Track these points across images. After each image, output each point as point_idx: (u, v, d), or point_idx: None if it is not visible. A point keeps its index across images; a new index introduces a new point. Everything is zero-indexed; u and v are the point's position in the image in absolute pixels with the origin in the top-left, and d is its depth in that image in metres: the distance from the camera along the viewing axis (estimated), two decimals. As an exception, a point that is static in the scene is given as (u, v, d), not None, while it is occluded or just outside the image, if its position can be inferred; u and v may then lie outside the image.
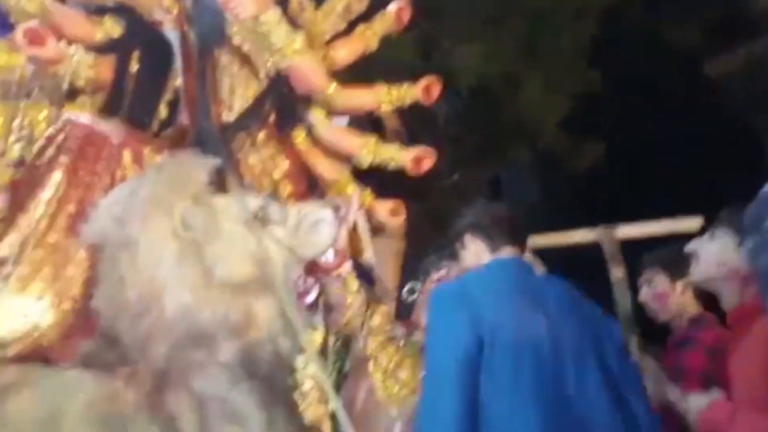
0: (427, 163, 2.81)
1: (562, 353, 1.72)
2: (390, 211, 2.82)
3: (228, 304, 1.79)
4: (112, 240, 1.77)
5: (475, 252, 1.95)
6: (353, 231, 2.87)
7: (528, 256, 2.05)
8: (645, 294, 2.26)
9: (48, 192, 1.90)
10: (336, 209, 1.96)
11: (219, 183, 2.01)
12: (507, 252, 1.92)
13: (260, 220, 1.88)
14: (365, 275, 2.69)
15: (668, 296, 2.20)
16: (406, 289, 2.61)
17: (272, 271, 1.87)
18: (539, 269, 2.20)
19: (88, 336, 1.84)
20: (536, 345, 1.70)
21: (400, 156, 2.77)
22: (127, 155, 2.08)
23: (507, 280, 1.84)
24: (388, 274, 3.18)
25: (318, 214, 1.94)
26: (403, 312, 2.62)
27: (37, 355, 1.77)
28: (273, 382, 1.82)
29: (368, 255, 2.96)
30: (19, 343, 1.76)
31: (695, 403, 1.75)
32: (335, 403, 1.51)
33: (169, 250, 1.76)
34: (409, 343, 2.44)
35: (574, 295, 1.87)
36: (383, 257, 3.15)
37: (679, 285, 2.18)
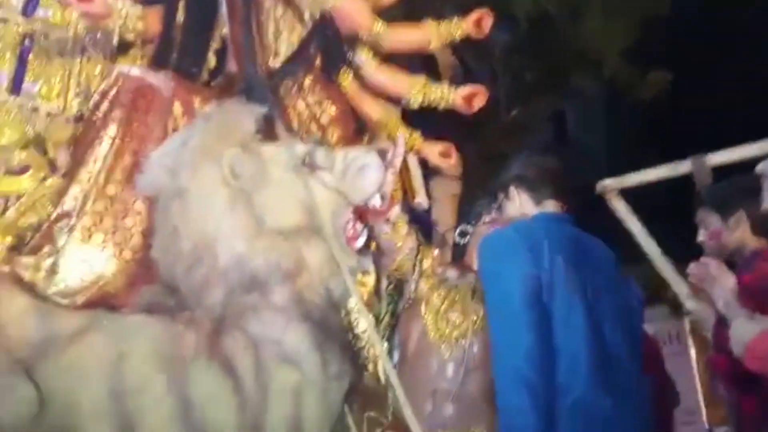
0: (479, 101, 2.74)
1: (599, 309, 1.80)
2: (440, 154, 2.79)
3: (279, 251, 1.83)
4: (165, 190, 1.83)
5: (519, 204, 2.00)
6: (405, 172, 2.87)
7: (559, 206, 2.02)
8: (701, 235, 2.18)
9: (105, 146, 1.96)
10: (382, 153, 1.95)
11: (267, 130, 2.04)
12: (551, 205, 1.98)
13: (307, 166, 1.90)
14: (418, 218, 2.69)
15: (721, 234, 2.11)
16: (458, 231, 2.60)
17: (321, 216, 1.90)
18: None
19: (150, 284, 1.93)
20: (582, 294, 1.79)
21: (451, 95, 2.72)
22: (177, 106, 2.11)
23: (555, 231, 1.89)
24: (445, 215, 3.18)
25: (364, 158, 1.94)
26: (456, 254, 2.62)
27: (103, 302, 1.86)
28: (326, 325, 1.87)
29: (420, 197, 2.96)
30: (86, 291, 1.86)
31: (744, 330, 1.66)
32: (380, 350, 1.53)
33: (220, 200, 1.81)
34: (461, 285, 2.45)
35: (608, 254, 1.95)
36: (440, 199, 3.15)
37: (731, 221, 2.09)
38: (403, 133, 2.22)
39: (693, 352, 3.96)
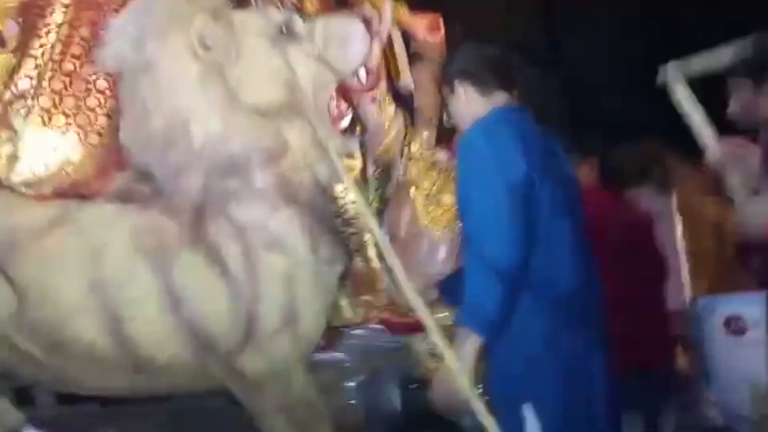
0: None
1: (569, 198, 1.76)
2: (427, 27, 2.60)
3: (258, 130, 1.70)
4: (131, 64, 1.66)
5: (465, 99, 1.84)
6: (389, 51, 2.69)
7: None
8: (732, 105, 1.88)
9: (58, 14, 1.75)
10: (367, 22, 1.78)
11: (238, -1, 1.84)
12: (500, 98, 1.82)
13: (285, 35, 1.73)
14: (403, 100, 2.55)
15: (755, 103, 1.82)
16: (447, 113, 2.47)
17: (302, 92, 1.75)
18: None
19: (122, 170, 1.79)
20: (557, 187, 1.72)
21: None
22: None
23: (522, 123, 1.79)
24: (428, 99, 3.02)
25: (347, 27, 1.77)
26: (444, 137, 2.50)
27: (73, 191, 1.73)
28: (313, 209, 1.77)
29: (405, 79, 2.79)
30: (53, 179, 1.72)
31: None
32: (376, 231, 1.44)
33: (190, 73, 1.65)
34: (451, 168, 2.35)
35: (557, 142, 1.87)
36: (423, 83, 2.97)
37: (766, 88, 1.79)
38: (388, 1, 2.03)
39: (679, 230, 3.95)
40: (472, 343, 1.57)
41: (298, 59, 1.72)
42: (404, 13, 2.57)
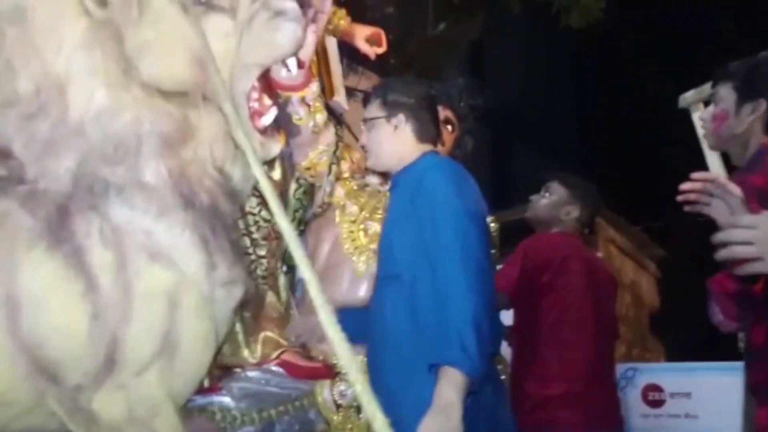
0: None
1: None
2: (368, 38, 2.36)
3: (156, 111, 1.37)
4: None
5: (401, 134, 1.80)
6: (323, 60, 2.43)
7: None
8: (707, 112, 1.79)
9: None
10: (302, 2, 1.50)
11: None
12: (427, 147, 1.81)
13: (202, 4, 1.43)
14: (334, 114, 2.28)
15: (725, 118, 1.73)
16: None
17: (216, 74, 1.44)
18: None
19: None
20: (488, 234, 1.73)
21: None
22: None
23: (462, 171, 1.77)
24: (357, 128, 2.76)
25: (279, 3, 1.48)
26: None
27: None
28: (214, 217, 1.44)
29: (340, 96, 2.53)
30: None
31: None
32: (298, 253, 1.14)
33: (75, 30, 1.31)
34: (383, 192, 2.08)
35: None
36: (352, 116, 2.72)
37: (747, 107, 1.71)
38: (330, -11, 1.77)
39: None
40: (458, 382, 1.45)
41: (216, 33, 1.42)
42: (345, 19, 2.33)
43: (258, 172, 1.35)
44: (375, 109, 1.79)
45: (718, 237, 1.28)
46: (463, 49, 5.48)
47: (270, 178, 1.92)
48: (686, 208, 1.44)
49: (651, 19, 5.45)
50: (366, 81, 2.66)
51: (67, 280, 1.30)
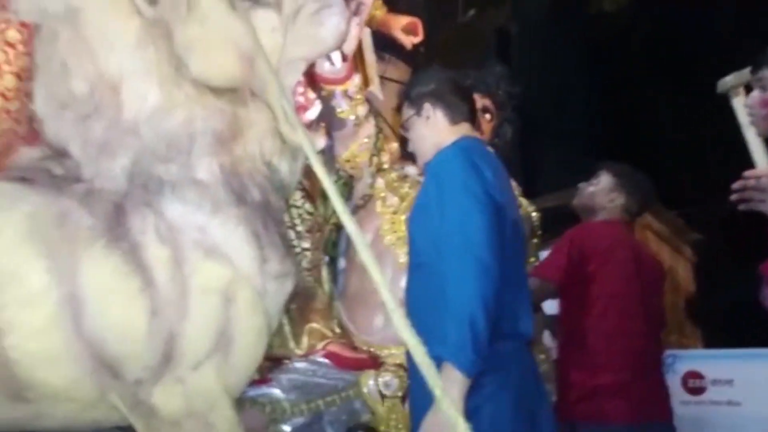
0: None
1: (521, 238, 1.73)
2: (404, 28, 2.35)
3: (208, 108, 1.38)
4: (51, 12, 1.32)
5: (434, 122, 1.77)
6: (359, 52, 2.42)
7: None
8: (752, 98, 1.71)
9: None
10: None
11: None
12: (465, 128, 1.76)
13: (249, 0, 1.43)
14: (373, 106, 2.27)
15: None
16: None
17: (263, 71, 1.45)
18: None
19: (31, 145, 1.44)
20: (516, 224, 1.69)
21: None
22: None
23: (488, 157, 1.72)
24: (387, 116, 2.76)
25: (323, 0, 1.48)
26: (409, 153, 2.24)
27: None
28: (267, 213, 1.45)
29: (375, 87, 2.52)
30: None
31: None
32: (355, 233, 1.13)
33: (127, 30, 1.32)
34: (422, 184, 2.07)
35: None
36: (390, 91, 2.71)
37: None
38: (371, -20, 1.76)
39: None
40: (454, 378, 1.41)
41: (262, 29, 1.42)
42: (381, 8, 2.32)
43: (318, 167, 1.33)
44: (406, 111, 1.79)
45: None
46: (490, 37, 5.41)
47: (312, 171, 1.94)
48: (740, 207, 1.41)
49: (675, 8, 5.37)
50: (394, 69, 2.64)
51: (126, 277, 1.32)
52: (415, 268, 1.66)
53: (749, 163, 1.63)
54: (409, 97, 1.80)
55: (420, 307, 1.59)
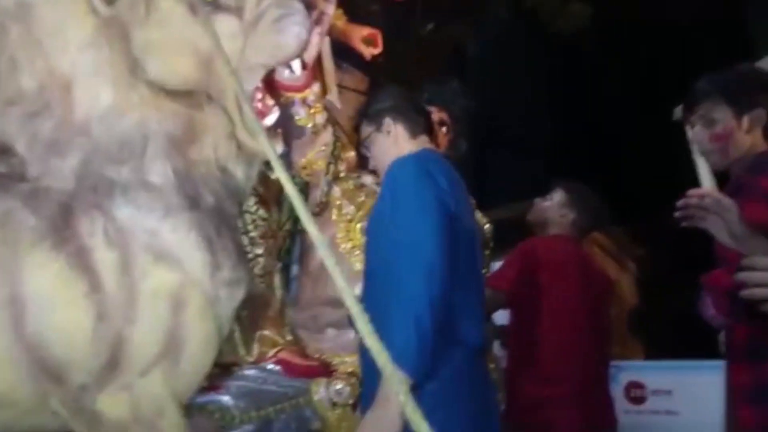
0: None
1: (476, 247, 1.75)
2: (364, 39, 2.37)
3: (163, 110, 1.36)
4: (2, 6, 1.28)
5: (394, 136, 1.82)
6: (317, 61, 2.43)
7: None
8: (698, 133, 1.74)
9: None
10: (308, 4, 1.50)
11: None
12: (424, 141, 1.83)
13: (209, 3, 1.42)
14: (330, 114, 2.28)
15: (731, 135, 1.69)
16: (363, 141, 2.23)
17: (220, 75, 1.44)
18: None
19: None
20: (472, 234, 1.73)
21: None
22: None
23: (445, 168, 1.74)
24: (344, 125, 2.78)
25: (284, 6, 1.48)
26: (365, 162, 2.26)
27: None
28: (221, 219, 1.44)
29: (332, 95, 2.53)
30: None
31: None
32: (316, 238, 1.11)
33: (82, 28, 1.30)
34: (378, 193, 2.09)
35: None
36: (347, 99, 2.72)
37: (747, 119, 1.69)
38: (331, -10, 1.77)
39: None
40: (402, 384, 1.36)
41: (223, 34, 1.41)
42: (342, 18, 2.33)
43: (278, 168, 1.30)
44: (365, 128, 1.83)
45: (738, 277, 1.32)
46: (447, 52, 5.48)
47: (268, 176, 1.93)
48: (683, 224, 1.46)
49: (634, 28, 5.56)
50: (350, 78, 2.65)
51: (72, 280, 1.29)
52: (369, 275, 1.67)
53: (695, 181, 1.70)
54: (367, 114, 1.85)
55: (373, 313, 1.60)
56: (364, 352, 1.74)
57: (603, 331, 2.41)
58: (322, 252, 1.05)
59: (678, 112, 1.99)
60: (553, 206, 2.42)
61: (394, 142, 1.80)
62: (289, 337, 1.97)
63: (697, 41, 5.26)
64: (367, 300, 1.65)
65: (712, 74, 1.79)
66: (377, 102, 1.87)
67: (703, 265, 1.73)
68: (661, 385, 3.51)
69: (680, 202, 1.43)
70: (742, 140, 1.71)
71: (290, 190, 1.10)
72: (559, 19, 4.99)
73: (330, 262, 1.00)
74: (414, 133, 1.81)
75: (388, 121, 1.80)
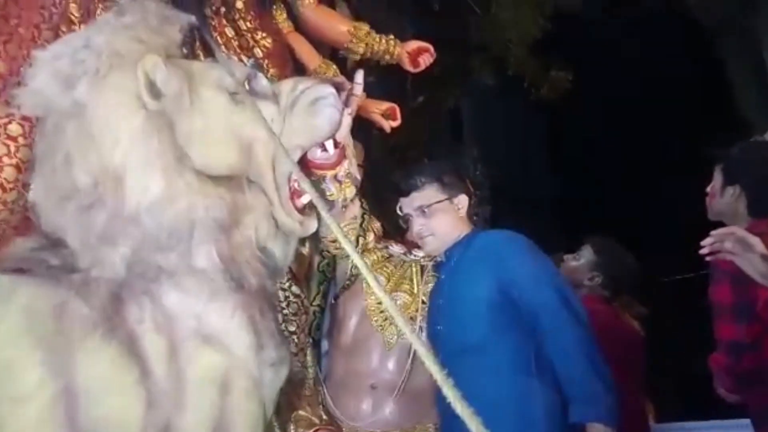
0: (426, 59, 2.42)
1: None
2: (384, 113, 2.44)
3: (208, 197, 1.40)
4: (57, 107, 1.34)
5: (461, 212, 1.96)
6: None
7: None
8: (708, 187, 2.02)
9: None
10: (338, 88, 1.57)
11: (191, 48, 1.59)
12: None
13: (247, 92, 1.48)
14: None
15: (714, 197, 1.95)
16: (399, 206, 2.27)
17: (261, 160, 1.49)
18: None
19: (24, 236, 1.43)
20: None
21: (396, 49, 2.38)
22: (74, 7, 1.61)
23: None
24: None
25: (319, 90, 1.54)
26: (393, 230, 2.28)
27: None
28: (263, 299, 1.45)
29: (353, 166, 2.59)
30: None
31: None
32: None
33: (132, 122, 1.35)
34: (407, 263, 2.11)
35: None
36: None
37: (729, 190, 1.92)
38: (360, 71, 1.85)
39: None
40: None
41: (260, 122, 1.47)
42: (362, 95, 2.40)
43: (334, 226, 1.29)
44: (436, 194, 1.90)
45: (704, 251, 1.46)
46: (441, 118, 5.61)
47: (299, 251, 1.95)
48: (708, 258, 1.52)
49: (617, 91, 5.77)
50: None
51: (123, 368, 1.29)
52: (464, 354, 1.72)
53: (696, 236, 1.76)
54: (443, 182, 1.93)
55: (493, 389, 1.63)
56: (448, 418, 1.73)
57: (639, 391, 2.39)
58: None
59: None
60: (582, 267, 2.43)
61: (457, 217, 1.91)
62: (324, 416, 1.95)
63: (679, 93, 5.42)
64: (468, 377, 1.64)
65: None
66: (450, 173, 1.97)
67: (707, 321, 1.80)
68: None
69: (705, 241, 1.48)
70: (720, 203, 1.96)
71: (341, 237, 1.11)
72: (544, 84, 5.14)
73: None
74: (470, 215, 1.95)
75: (462, 198, 1.92)
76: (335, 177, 1.90)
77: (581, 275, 2.41)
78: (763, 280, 1.43)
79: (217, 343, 1.37)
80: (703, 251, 1.49)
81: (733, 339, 1.72)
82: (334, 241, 2.07)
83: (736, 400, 1.83)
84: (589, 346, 1.60)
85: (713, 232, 1.50)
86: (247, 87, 1.50)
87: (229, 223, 1.42)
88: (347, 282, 2.08)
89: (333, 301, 2.13)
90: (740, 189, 1.90)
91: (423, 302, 1.99)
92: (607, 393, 1.55)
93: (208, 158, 1.41)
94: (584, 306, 2.38)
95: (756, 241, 1.44)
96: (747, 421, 1.89)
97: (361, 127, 2.56)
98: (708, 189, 1.99)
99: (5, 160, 1.38)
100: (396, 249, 2.13)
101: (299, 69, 2.22)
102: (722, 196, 1.94)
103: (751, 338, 1.66)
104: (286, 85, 1.58)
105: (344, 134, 1.64)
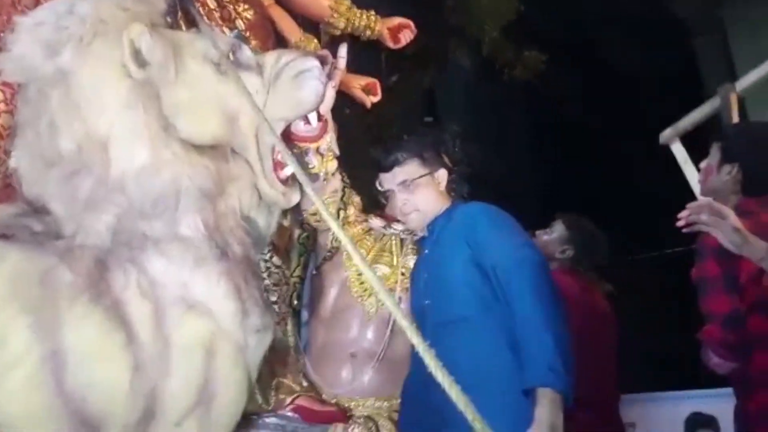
0: (407, 36, 2.44)
1: None
2: (364, 88, 2.46)
3: (194, 166, 1.41)
4: (41, 73, 1.34)
5: (441, 187, 1.93)
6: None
7: None
8: (703, 162, 1.97)
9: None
10: (322, 61, 1.58)
11: (174, 18, 1.60)
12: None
13: (232, 63, 1.49)
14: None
15: (710, 173, 1.91)
16: (379, 181, 2.29)
17: (245, 131, 1.51)
18: None
19: (6, 203, 1.43)
20: None
21: (377, 25, 2.39)
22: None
23: None
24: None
25: (303, 63, 1.56)
26: (372, 204, 2.31)
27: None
28: (247, 267, 1.48)
29: (333, 141, 2.61)
30: None
31: None
32: (389, 301, 1.08)
33: (117, 91, 1.35)
34: (387, 236, 2.15)
35: None
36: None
37: (726, 168, 1.89)
38: (344, 44, 1.86)
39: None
40: (557, 402, 1.50)
41: (244, 93, 1.48)
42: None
43: (316, 199, 1.31)
44: (417, 168, 1.89)
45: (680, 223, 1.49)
46: (416, 97, 5.63)
47: (280, 224, 1.98)
48: (685, 230, 1.57)
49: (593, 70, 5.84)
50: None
51: (109, 333, 1.31)
52: (451, 324, 1.70)
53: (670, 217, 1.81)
54: (423, 157, 1.92)
55: (480, 359, 1.62)
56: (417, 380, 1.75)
57: (610, 364, 2.45)
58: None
59: (662, 137, 2.19)
60: (553, 241, 2.47)
61: (438, 191, 1.90)
62: (304, 384, 1.99)
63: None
64: (454, 347, 1.62)
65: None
66: (430, 147, 1.95)
67: (673, 300, 1.86)
68: (625, 418, 3.57)
69: (682, 213, 1.53)
70: (716, 181, 1.93)
71: (325, 214, 1.14)
72: (517, 65, 5.18)
73: (394, 311, 1.01)
74: (449, 190, 1.93)
75: (441, 173, 1.91)
76: (317, 150, 1.92)
77: (553, 248, 2.46)
78: (737, 249, 1.48)
79: (203, 310, 1.40)
80: (679, 224, 1.53)
81: (726, 310, 1.74)
82: (315, 213, 2.09)
83: (727, 370, 1.81)
84: (544, 310, 1.57)
85: (689, 205, 1.54)
86: (231, 58, 1.52)
87: (214, 192, 1.44)
88: (328, 254, 2.11)
89: (314, 272, 2.16)
90: (738, 167, 1.88)
91: (402, 274, 2.03)
92: (556, 358, 1.51)
93: (193, 128, 1.43)
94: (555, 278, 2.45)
95: (729, 213, 1.49)
96: (705, 391, 1.95)
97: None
98: (702, 165, 1.97)
99: (-12, 127, 1.38)
100: (376, 222, 2.16)
101: (281, 42, 2.22)
102: (718, 173, 1.91)
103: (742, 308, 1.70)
104: (270, 57, 1.59)
105: (328, 107, 1.66)
